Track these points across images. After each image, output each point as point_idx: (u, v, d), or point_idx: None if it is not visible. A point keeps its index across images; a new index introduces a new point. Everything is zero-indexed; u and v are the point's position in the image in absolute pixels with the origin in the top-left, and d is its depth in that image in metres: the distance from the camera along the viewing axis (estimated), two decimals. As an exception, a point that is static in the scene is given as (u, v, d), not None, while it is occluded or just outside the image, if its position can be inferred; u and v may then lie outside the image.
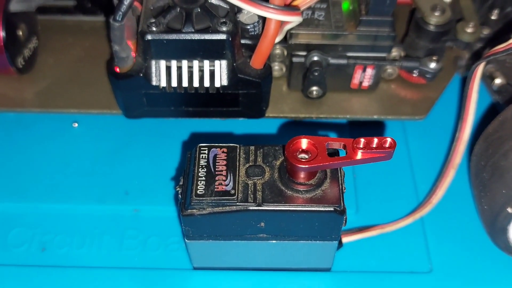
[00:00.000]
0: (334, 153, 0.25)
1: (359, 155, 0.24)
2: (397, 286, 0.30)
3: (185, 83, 0.32)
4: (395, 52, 0.35)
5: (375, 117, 0.35)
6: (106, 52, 0.38)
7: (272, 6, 0.29)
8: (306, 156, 0.24)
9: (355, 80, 0.35)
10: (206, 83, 0.32)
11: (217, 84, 0.32)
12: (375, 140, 0.23)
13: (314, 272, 0.30)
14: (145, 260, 0.31)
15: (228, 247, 0.27)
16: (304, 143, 0.24)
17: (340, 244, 0.31)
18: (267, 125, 0.37)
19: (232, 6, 0.31)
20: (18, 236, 0.32)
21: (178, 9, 0.31)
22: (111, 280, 0.30)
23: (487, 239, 0.30)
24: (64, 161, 0.35)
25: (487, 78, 0.34)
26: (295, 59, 0.34)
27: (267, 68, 0.32)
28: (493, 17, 0.36)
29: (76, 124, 0.36)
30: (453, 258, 0.31)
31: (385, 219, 0.32)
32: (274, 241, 0.27)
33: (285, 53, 0.35)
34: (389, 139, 0.23)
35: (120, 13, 0.29)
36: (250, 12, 0.31)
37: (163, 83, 0.32)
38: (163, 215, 0.32)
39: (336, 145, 0.24)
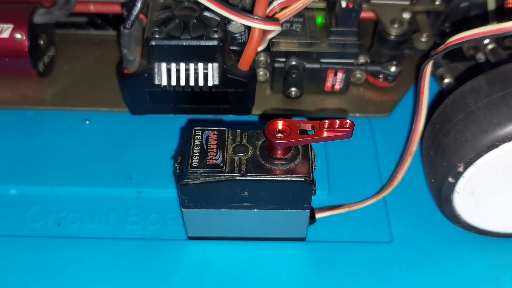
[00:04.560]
0: (304, 133, 0.30)
1: (324, 134, 0.28)
2: (362, 254, 0.34)
3: (182, 82, 0.37)
4: (362, 59, 0.40)
5: (346, 115, 0.41)
6: (114, 60, 0.43)
7: (256, 17, 0.35)
8: (282, 135, 0.29)
9: (328, 83, 0.40)
10: (200, 82, 0.37)
11: (210, 83, 0.37)
12: (337, 121, 0.28)
13: (291, 242, 0.34)
14: (146, 233, 0.35)
15: (217, 216, 0.32)
16: (280, 124, 0.29)
17: (314, 219, 0.35)
18: (252, 121, 0.41)
19: (223, 17, 0.37)
20: (36, 214, 0.35)
21: (177, 20, 0.36)
22: (116, 248, 0.34)
23: (439, 214, 0.35)
24: (76, 151, 0.39)
25: (439, 78, 0.39)
26: (276, 64, 0.39)
27: (252, 70, 0.38)
28: (446, 30, 0.42)
29: (88, 122, 0.41)
30: (410, 230, 0.35)
31: (353, 199, 0.36)
32: (256, 210, 0.31)
33: (268, 60, 0.40)
34: (348, 121, 0.28)
35: (129, 21, 0.34)
36: (238, 23, 0.37)
37: (164, 82, 0.37)
38: (162, 196, 0.36)
39: (307, 126, 0.29)
